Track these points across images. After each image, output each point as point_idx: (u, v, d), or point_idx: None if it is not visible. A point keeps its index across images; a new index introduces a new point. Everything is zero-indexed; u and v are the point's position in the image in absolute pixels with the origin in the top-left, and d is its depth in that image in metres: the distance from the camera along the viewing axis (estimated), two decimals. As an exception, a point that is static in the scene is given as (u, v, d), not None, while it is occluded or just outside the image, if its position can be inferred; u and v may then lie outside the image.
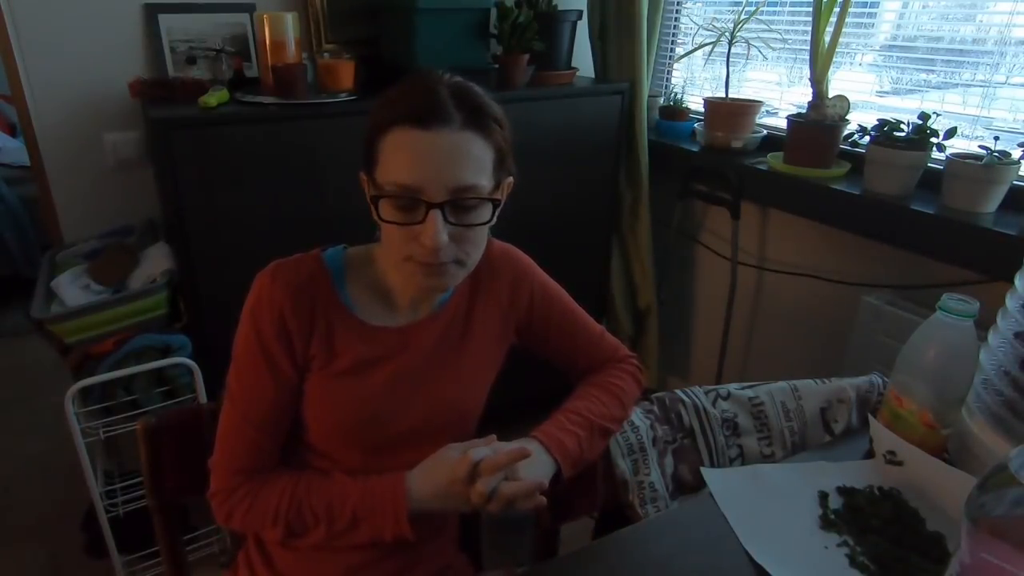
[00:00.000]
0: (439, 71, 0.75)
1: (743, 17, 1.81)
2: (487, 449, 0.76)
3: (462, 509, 0.77)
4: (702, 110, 1.98)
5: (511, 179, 0.81)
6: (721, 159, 1.88)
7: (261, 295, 0.78)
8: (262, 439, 0.81)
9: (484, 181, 0.73)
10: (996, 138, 1.39)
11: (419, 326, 0.84)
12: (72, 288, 1.53)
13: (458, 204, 0.72)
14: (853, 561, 0.76)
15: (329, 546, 0.80)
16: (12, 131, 3.57)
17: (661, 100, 2.15)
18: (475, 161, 0.72)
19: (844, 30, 1.57)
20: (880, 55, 1.76)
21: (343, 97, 1.66)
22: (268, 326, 0.77)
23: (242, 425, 0.81)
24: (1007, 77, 1.49)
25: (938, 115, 1.47)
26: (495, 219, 0.81)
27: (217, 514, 0.82)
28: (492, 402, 0.94)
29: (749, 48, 1.89)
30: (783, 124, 1.77)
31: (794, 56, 1.89)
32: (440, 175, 0.70)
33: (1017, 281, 0.84)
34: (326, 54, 1.93)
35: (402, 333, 0.84)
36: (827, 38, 1.57)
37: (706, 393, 1.08)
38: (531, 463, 0.77)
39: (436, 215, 0.70)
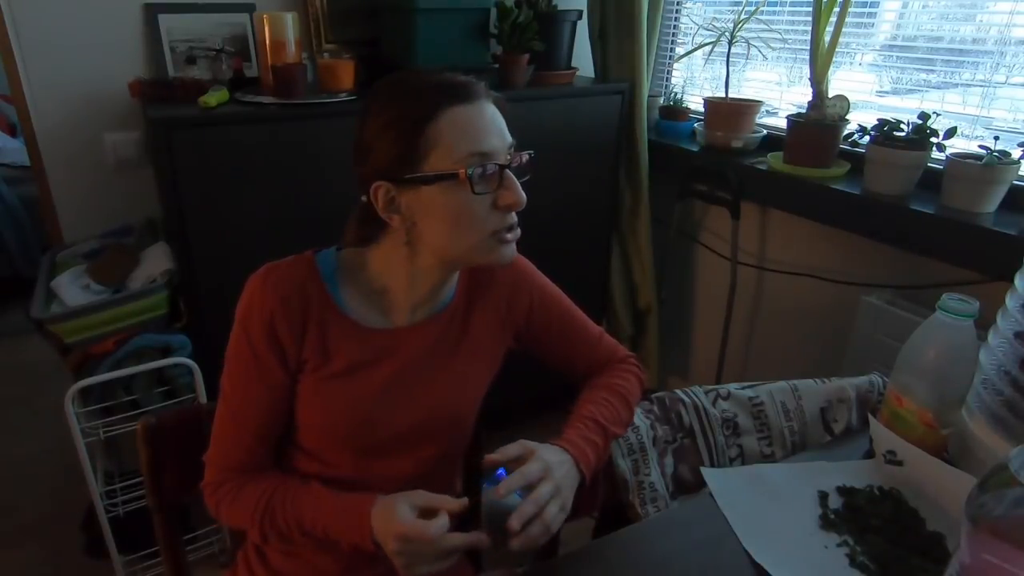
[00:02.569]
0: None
1: (743, 17, 1.81)
2: (438, 522, 0.71)
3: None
4: (702, 110, 1.98)
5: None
6: (721, 159, 1.88)
7: (252, 300, 0.77)
8: (252, 441, 0.82)
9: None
10: (996, 138, 1.39)
11: (415, 329, 0.84)
12: (72, 288, 1.53)
13: (513, 162, 0.78)
14: (853, 561, 0.76)
15: (323, 547, 0.80)
16: (12, 131, 3.57)
17: (661, 100, 2.15)
18: (505, 124, 0.79)
19: (844, 30, 1.57)
20: (880, 55, 1.76)
21: (343, 97, 1.66)
22: (258, 333, 0.77)
23: (233, 426, 0.81)
24: (1007, 77, 1.49)
25: (938, 115, 1.47)
26: None
27: (208, 504, 0.84)
28: (492, 403, 0.93)
29: (749, 48, 1.89)
30: (783, 124, 1.77)
31: (794, 56, 1.89)
32: (500, 138, 0.76)
33: (1017, 281, 0.84)
34: (326, 54, 1.93)
35: (397, 335, 0.83)
36: (827, 38, 1.57)
37: (706, 393, 1.08)
38: (558, 473, 0.76)
39: (510, 173, 0.77)
